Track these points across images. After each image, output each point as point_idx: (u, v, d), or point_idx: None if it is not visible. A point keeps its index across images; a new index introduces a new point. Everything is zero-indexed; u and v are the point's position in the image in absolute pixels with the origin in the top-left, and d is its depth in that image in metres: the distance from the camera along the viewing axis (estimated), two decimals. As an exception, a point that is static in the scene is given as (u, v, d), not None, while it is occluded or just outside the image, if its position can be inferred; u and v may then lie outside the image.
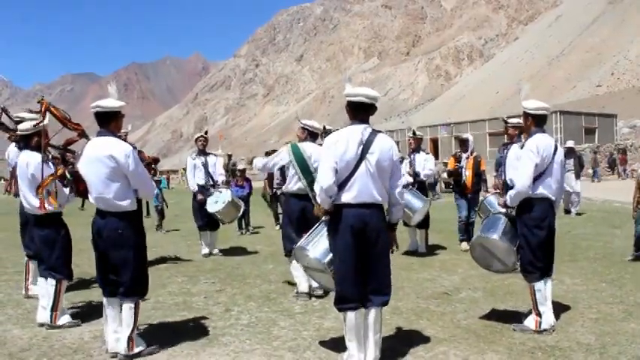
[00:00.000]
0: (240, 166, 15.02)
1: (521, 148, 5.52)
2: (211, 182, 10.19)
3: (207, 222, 10.14)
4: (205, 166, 10.21)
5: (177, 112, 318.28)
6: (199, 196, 10.14)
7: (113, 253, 4.75)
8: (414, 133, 10.45)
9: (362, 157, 4.34)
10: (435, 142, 59.64)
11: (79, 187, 5.12)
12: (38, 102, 5.12)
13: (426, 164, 10.09)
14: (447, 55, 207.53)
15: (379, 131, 4.49)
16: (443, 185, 30.39)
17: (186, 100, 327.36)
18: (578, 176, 16.10)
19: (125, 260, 4.74)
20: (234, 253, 10.49)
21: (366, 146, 4.35)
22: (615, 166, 38.75)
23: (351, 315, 4.38)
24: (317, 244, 4.69)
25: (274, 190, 13.64)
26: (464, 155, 10.10)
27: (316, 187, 4.40)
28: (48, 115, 5.01)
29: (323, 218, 4.77)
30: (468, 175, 10.04)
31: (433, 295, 6.82)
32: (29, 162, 5.53)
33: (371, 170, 4.35)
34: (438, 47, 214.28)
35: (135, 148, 4.95)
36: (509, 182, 5.88)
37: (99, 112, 4.76)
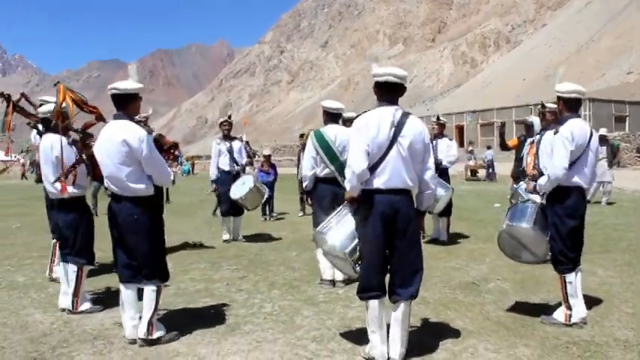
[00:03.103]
0: (265, 152, 14.89)
1: (555, 134, 5.28)
2: (237, 168, 10.08)
3: (231, 208, 10.03)
4: (231, 151, 10.09)
5: (202, 98, 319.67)
6: (213, 186, 10.10)
7: (128, 238, 4.66)
8: (437, 119, 10.18)
9: (394, 140, 4.15)
10: (460, 129, 59.09)
11: (96, 172, 5.01)
12: (54, 85, 5.01)
13: (449, 150, 9.82)
14: (473, 42, 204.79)
15: (410, 113, 4.31)
16: (469, 172, 30.00)
17: (211, 86, 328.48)
18: (610, 165, 15.72)
19: (140, 246, 4.65)
20: (257, 239, 10.39)
21: (397, 128, 4.16)
22: (646, 155, 37.93)
23: (374, 304, 4.23)
24: (338, 231, 4.52)
25: None
26: (528, 140, 9.49)
27: (347, 172, 4.20)
28: (67, 98, 4.90)
29: (345, 203, 4.61)
30: (529, 161, 9.57)
31: (461, 285, 6.63)
32: (53, 145, 5.44)
33: (403, 154, 4.16)
34: (464, 34, 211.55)
35: (150, 132, 4.80)
36: (542, 170, 5.66)
37: (115, 95, 4.64)
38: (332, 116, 6.80)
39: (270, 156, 14.61)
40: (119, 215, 4.65)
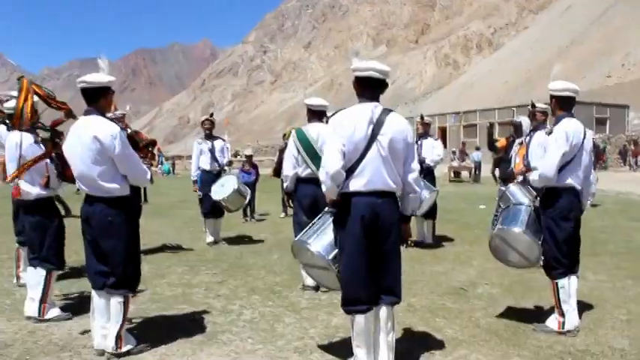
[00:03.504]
0: (247, 152, 14.57)
1: (549, 134, 5.05)
2: (218, 168, 9.76)
3: (212, 209, 9.71)
4: (212, 150, 9.76)
5: (185, 98, 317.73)
6: (194, 187, 9.78)
7: (102, 242, 4.34)
8: (422, 118, 9.94)
9: (372, 139, 3.87)
10: (443, 131, 59.15)
11: (66, 172, 4.68)
12: (18, 80, 4.68)
13: (434, 150, 9.58)
14: (456, 44, 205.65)
15: (391, 110, 4.04)
16: (452, 174, 29.87)
17: (194, 86, 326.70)
18: (594, 167, 15.61)
19: (114, 250, 4.33)
20: (237, 242, 10.07)
21: (376, 126, 3.88)
22: (627, 157, 38.10)
23: (360, 318, 3.94)
24: (320, 238, 4.20)
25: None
26: (517, 141, 9.21)
27: (321, 174, 3.91)
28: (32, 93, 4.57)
29: (327, 208, 4.35)
30: (517, 162, 9.31)
31: (448, 291, 6.40)
32: (18, 142, 5.11)
33: (383, 154, 3.88)
34: (447, 35, 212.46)
35: (123, 129, 4.49)
36: (533, 169, 5.45)
37: (85, 89, 4.31)
38: (315, 114, 6.54)
39: (251, 156, 14.32)
40: (92, 218, 4.33)
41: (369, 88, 3.98)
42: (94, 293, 4.48)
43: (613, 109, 56.80)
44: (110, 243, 4.31)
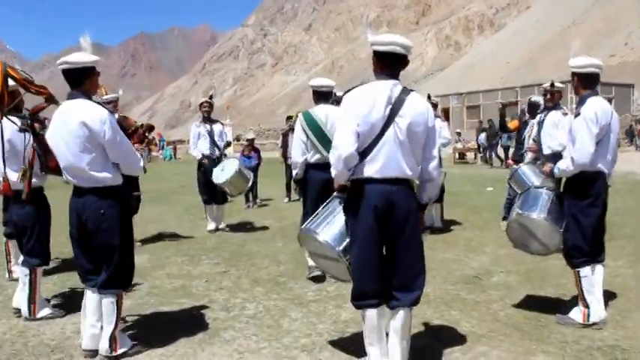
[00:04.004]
0: (248, 135, 14.19)
1: (576, 116, 4.68)
2: (217, 152, 9.40)
3: (213, 195, 9.36)
4: (211, 134, 9.38)
5: (186, 82, 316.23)
6: (204, 160, 9.32)
7: (95, 238, 3.99)
8: (429, 97, 9.55)
9: (390, 120, 3.51)
10: (446, 112, 58.61)
11: (49, 163, 4.29)
12: None
13: (441, 132, 9.20)
14: (457, 25, 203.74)
15: (411, 90, 3.68)
16: (457, 155, 29.52)
17: (195, 70, 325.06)
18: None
19: (108, 246, 3.98)
20: (240, 229, 9.75)
21: (395, 106, 3.52)
22: (634, 137, 37.62)
23: (371, 313, 3.64)
24: (329, 226, 3.85)
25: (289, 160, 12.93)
26: (531, 122, 8.46)
27: (332, 156, 3.57)
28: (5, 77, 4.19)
29: (335, 194, 4.01)
30: (531, 143, 8.85)
31: (462, 280, 6.08)
32: (4, 127, 4.76)
33: (400, 137, 3.52)
34: (448, 17, 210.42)
35: (112, 112, 4.13)
36: (544, 150, 5.12)
37: (67, 70, 3.93)
38: (322, 95, 6.19)
39: (253, 140, 13.92)
40: (83, 211, 3.98)
41: (390, 64, 3.61)
42: (86, 290, 4.17)
43: (618, 89, 56.15)
44: (104, 238, 3.97)
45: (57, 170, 4.11)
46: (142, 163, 4.17)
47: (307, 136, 5.98)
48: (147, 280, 6.19)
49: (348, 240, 3.72)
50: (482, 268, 6.58)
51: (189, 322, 4.85)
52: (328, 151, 5.88)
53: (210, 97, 9.82)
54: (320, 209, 4.03)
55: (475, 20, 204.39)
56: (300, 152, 6.09)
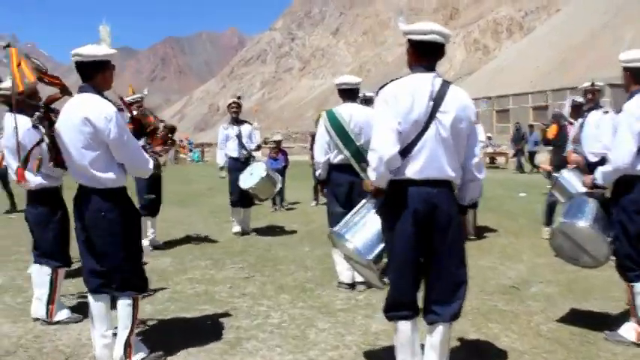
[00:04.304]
0: (275, 137, 13.93)
1: (618, 112, 4.34)
2: (245, 154, 9.16)
3: (240, 198, 9.11)
4: (239, 136, 9.14)
5: (214, 86, 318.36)
6: (222, 173, 9.17)
7: (96, 240, 3.77)
8: None
9: (432, 117, 3.22)
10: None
11: (58, 157, 4.08)
12: (4, 47, 4.10)
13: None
14: (486, 29, 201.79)
15: (450, 82, 3.37)
16: (487, 159, 28.94)
17: (223, 74, 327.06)
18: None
19: (109, 250, 3.75)
20: (266, 232, 9.49)
21: (437, 101, 3.23)
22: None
23: (405, 326, 3.35)
24: (360, 232, 3.59)
25: None
26: (576, 123, 7.84)
27: (373, 158, 3.25)
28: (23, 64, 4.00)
29: (367, 198, 3.73)
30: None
31: (499, 289, 5.75)
32: (14, 128, 4.57)
33: (443, 135, 3.22)
34: (477, 20, 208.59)
35: (120, 109, 3.88)
36: (589, 157, 4.76)
37: (79, 63, 3.70)
38: (347, 93, 5.91)
39: (280, 142, 13.64)
40: (85, 212, 3.76)
41: (428, 55, 3.31)
42: (90, 297, 3.93)
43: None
44: (104, 241, 3.74)
45: (64, 164, 3.90)
46: (150, 165, 3.91)
47: (330, 136, 5.72)
48: (169, 285, 5.98)
49: (381, 247, 3.44)
50: (520, 277, 6.24)
51: (210, 330, 4.61)
52: (350, 153, 5.64)
53: (239, 98, 9.60)
54: (352, 212, 3.76)
55: (504, 24, 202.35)
56: (322, 152, 5.85)
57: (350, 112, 5.71)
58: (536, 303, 5.29)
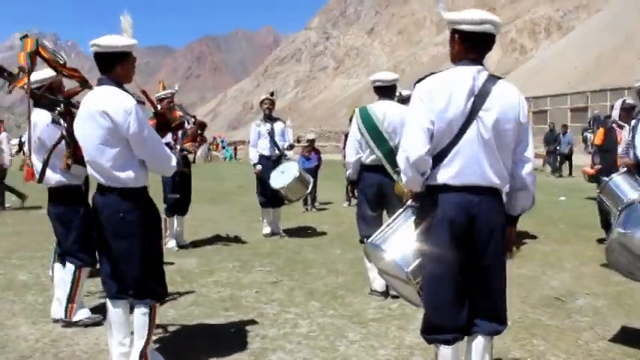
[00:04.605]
0: (309, 136, 13.65)
1: None
2: (277, 153, 8.89)
3: (271, 198, 8.84)
4: (272, 134, 8.87)
5: (248, 84, 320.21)
6: (257, 168, 8.86)
7: (113, 243, 3.52)
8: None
9: (472, 116, 2.88)
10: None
11: (78, 152, 3.86)
12: (21, 39, 3.89)
13: None
14: (523, 28, 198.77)
15: (499, 77, 3.03)
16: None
17: (257, 72, 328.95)
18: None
19: (127, 254, 3.50)
20: (296, 233, 9.23)
21: (479, 98, 2.89)
22: None
23: (446, 351, 3.01)
24: (399, 242, 3.27)
25: None
26: (627, 127, 7.41)
27: (400, 159, 2.96)
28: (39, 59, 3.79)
29: (409, 203, 3.42)
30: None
31: (542, 301, 5.38)
32: (37, 122, 4.40)
33: (485, 136, 2.88)
34: (513, 20, 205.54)
35: (140, 101, 3.62)
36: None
37: (98, 54, 3.45)
38: (382, 91, 5.60)
39: (313, 140, 13.35)
40: (102, 212, 3.52)
41: (477, 47, 2.96)
42: (108, 303, 3.70)
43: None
44: (122, 244, 3.49)
45: (84, 161, 3.67)
46: (174, 162, 3.64)
47: (362, 135, 5.42)
48: (193, 288, 5.76)
49: (420, 259, 3.13)
50: (564, 288, 5.85)
51: (234, 339, 4.35)
52: (382, 153, 5.33)
53: (272, 94, 9.30)
54: (390, 220, 3.45)
55: (541, 24, 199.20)
56: (353, 151, 5.56)
57: (384, 110, 5.42)
58: (584, 318, 4.90)
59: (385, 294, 5.39)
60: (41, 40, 3.83)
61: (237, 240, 8.54)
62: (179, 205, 7.88)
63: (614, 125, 8.33)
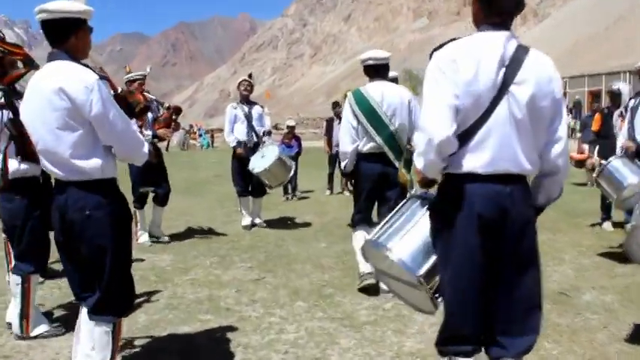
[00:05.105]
0: (289, 122, 13.11)
1: None
2: (255, 139, 8.33)
3: (249, 186, 8.32)
4: (248, 117, 8.28)
5: (225, 71, 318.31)
6: (239, 150, 8.27)
7: (80, 247, 2.95)
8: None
9: (503, 90, 2.41)
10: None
11: (27, 147, 3.27)
12: None
13: None
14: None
15: (527, 47, 2.54)
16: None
17: (234, 59, 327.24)
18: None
19: (96, 259, 2.93)
20: (277, 225, 8.72)
21: (510, 70, 2.41)
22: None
23: None
24: (406, 239, 2.74)
25: (335, 149, 11.89)
26: (615, 113, 7.51)
27: (420, 140, 2.48)
28: None
29: (414, 191, 2.96)
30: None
31: (547, 296, 4.91)
32: None
33: (517, 114, 2.42)
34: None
35: (103, 77, 3.01)
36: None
37: (46, 22, 2.87)
38: (375, 70, 5.09)
39: (294, 127, 12.82)
40: (66, 212, 2.94)
41: (504, 9, 2.49)
42: (81, 309, 3.18)
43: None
44: (89, 248, 2.93)
45: (36, 157, 3.08)
46: (145, 148, 3.10)
47: (358, 120, 4.92)
48: (167, 288, 5.26)
49: (431, 260, 2.65)
50: (567, 282, 5.45)
51: (212, 349, 3.86)
52: (383, 139, 4.85)
53: (250, 76, 8.72)
54: (393, 213, 2.95)
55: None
56: (349, 140, 5.01)
57: (381, 91, 4.92)
58: (595, 315, 4.50)
59: (376, 289, 4.93)
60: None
61: (214, 233, 8.02)
62: (157, 195, 7.37)
63: (606, 110, 8.13)
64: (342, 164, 5.21)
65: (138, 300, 4.78)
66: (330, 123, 12.54)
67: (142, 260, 6.22)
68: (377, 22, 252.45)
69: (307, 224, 8.77)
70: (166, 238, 7.39)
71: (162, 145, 7.35)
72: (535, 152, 2.53)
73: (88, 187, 2.89)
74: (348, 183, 5.41)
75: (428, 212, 2.71)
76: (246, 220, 8.42)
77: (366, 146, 4.92)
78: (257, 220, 8.54)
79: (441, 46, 2.55)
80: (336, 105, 12.28)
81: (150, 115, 7.13)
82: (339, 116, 11.96)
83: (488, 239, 2.46)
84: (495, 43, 2.44)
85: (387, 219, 2.94)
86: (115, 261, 2.95)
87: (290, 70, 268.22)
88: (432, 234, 2.65)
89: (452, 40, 2.57)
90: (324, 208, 10.46)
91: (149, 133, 7.00)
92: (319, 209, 10.30)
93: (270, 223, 8.70)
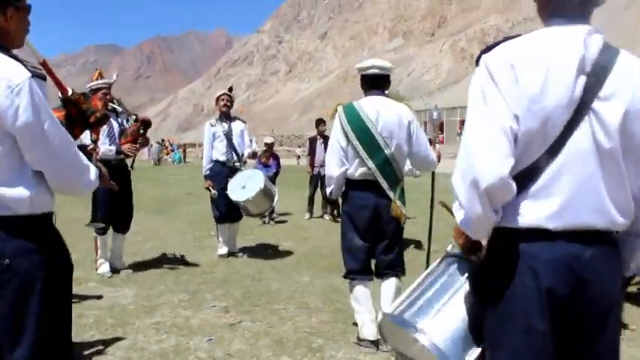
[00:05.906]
0: (266, 140, 12.29)
1: None
2: (236, 158, 7.47)
3: (230, 212, 7.45)
4: (229, 135, 7.46)
5: (199, 86, 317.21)
6: (207, 182, 7.44)
7: None
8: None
9: (582, 107, 1.69)
10: (463, 124, 57.64)
11: None
12: None
13: None
14: (473, 38, 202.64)
15: (616, 49, 1.81)
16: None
17: (209, 74, 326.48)
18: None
19: (15, 325, 2.10)
20: (255, 253, 7.88)
21: (594, 79, 1.70)
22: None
23: None
24: (441, 318, 2.01)
25: (317, 170, 11.17)
26: None
27: (460, 183, 1.74)
28: None
29: (449, 248, 2.24)
30: None
31: None
32: None
33: (605, 143, 1.70)
34: (464, 29, 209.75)
35: (38, 75, 2.18)
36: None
37: None
38: (372, 81, 4.34)
39: (272, 145, 11.99)
40: None
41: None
42: None
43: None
44: (8, 309, 2.09)
45: None
46: (92, 175, 2.28)
47: (348, 140, 4.17)
48: (126, 335, 4.42)
49: (476, 350, 1.91)
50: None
51: None
52: (376, 163, 4.10)
53: (230, 90, 7.90)
54: (422, 279, 2.20)
55: (491, 34, 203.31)
56: (336, 162, 4.24)
57: (376, 109, 4.18)
58: None
59: (377, 344, 4.18)
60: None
61: (184, 262, 7.15)
62: (117, 221, 6.52)
63: None
64: (328, 190, 4.42)
65: (89, 350, 3.98)
66: (312, 142, 11.76)
67: (100, 297, 5.38)
68: (352, 41, 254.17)
69: (288, 253, 7.96)
70: (129, 271, 6.53)
71: (127, 161, 6.53)
72: (629, 198, 1.78)
73: (9, 226, 2.07)
74: (335, 210, 4.68)
75: (468, 287, 1.97)
76: (223, 250, 7.55)
77: (357, 171, 4.16)
78: (233, 248, 7.72)
79: (492, 46, 1.82)
80: (320, 122, 11.54)
81: (116, 127, 6.33)
82: (322, 135, 11.24)
83: (559, 324, 1.72)
84: (572, 42, 1.73)
85: (414, 285, 2.18)
86: (40, 328, 2.12)
87: (265, 86, 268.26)
88: (473, 312, 1.91)
89: (507, 38, 1.85)
90: (304, 233, 9.67)
91: (112, 148, 6.20)
92: (299, 235, 9.50)
93: (247, 251, 7.90)
